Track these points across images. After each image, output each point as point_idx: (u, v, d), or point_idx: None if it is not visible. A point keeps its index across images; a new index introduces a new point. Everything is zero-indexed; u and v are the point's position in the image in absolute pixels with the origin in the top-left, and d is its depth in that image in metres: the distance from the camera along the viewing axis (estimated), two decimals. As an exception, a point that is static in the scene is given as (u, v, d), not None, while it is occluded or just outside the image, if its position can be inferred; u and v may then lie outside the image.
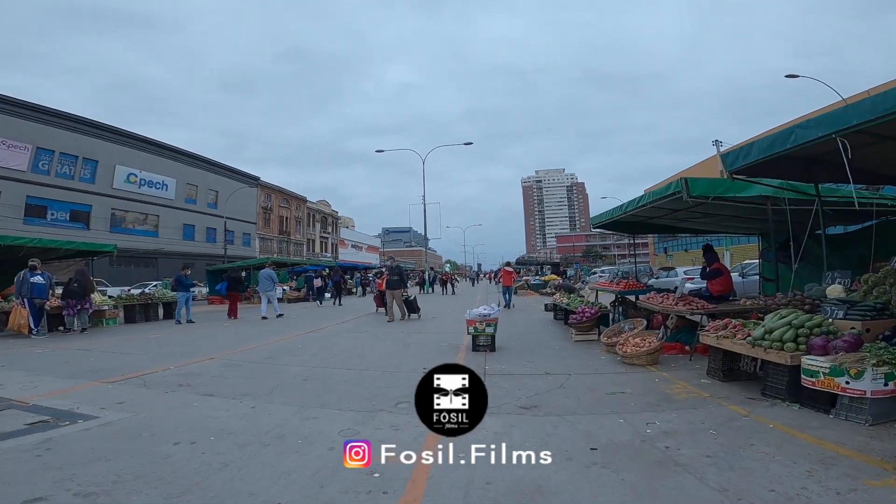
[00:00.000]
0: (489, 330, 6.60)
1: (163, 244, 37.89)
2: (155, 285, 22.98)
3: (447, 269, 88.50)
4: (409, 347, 7.32)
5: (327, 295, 21.30)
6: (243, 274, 24.54)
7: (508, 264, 17.18)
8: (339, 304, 19.38)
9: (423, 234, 43.40)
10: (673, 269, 20.84)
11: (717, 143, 21.83)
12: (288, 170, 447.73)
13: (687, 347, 5.93)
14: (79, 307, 9.55)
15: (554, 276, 24.46)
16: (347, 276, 30.22)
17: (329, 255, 67.38)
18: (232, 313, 13.69)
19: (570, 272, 31.45)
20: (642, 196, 6.89)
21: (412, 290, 18.23)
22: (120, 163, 35.00)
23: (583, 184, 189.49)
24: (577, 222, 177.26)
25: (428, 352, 6.84)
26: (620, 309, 8.70)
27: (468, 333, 6.80)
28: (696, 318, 6.00)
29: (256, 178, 51.38)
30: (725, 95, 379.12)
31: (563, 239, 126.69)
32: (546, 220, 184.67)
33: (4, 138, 27.36)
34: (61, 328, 9.73)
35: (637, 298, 8.67)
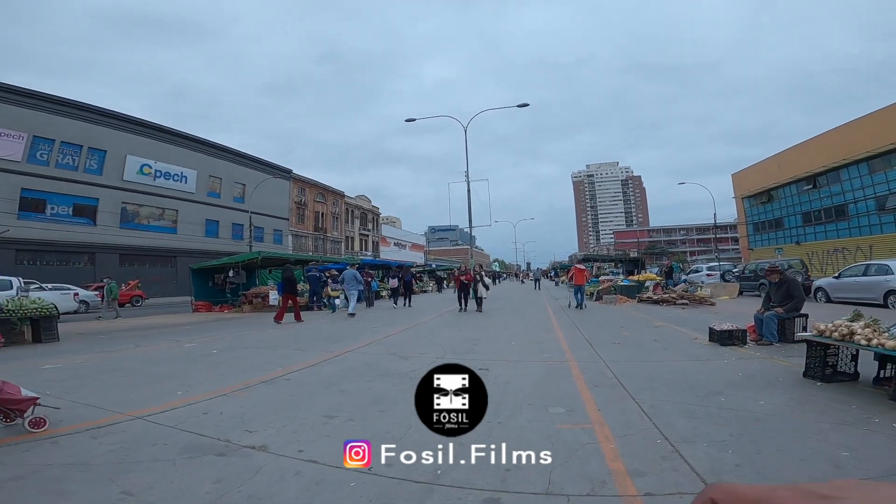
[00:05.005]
0: None
1: (182, 241, 34.44)
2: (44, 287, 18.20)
3: (499, 265, 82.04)
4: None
5: (337, 301, 16.04)
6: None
7: (580, 262, 16.51)
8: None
9: (469, 233, 37.58)
10: None
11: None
12: (334, 172, 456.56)
13: None
14: None
15: (652, 276, 17.87)
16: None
17: (369, 253, 63.29)
18: (295, 317, 12.13)
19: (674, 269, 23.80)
20: None
21: (438, 297, 11.94)
22: (131, 153, 31.61)
23: (639, 177, 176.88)
24: (635, 217, 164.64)
25: None
26: None
27: None
28: None
29: (289, 171, 47.47)
30: (789, 82, 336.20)
31: (623, 235, 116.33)
32: (599, 215, 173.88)
33: (-8, 125, 24.25)
34: None
35: None
